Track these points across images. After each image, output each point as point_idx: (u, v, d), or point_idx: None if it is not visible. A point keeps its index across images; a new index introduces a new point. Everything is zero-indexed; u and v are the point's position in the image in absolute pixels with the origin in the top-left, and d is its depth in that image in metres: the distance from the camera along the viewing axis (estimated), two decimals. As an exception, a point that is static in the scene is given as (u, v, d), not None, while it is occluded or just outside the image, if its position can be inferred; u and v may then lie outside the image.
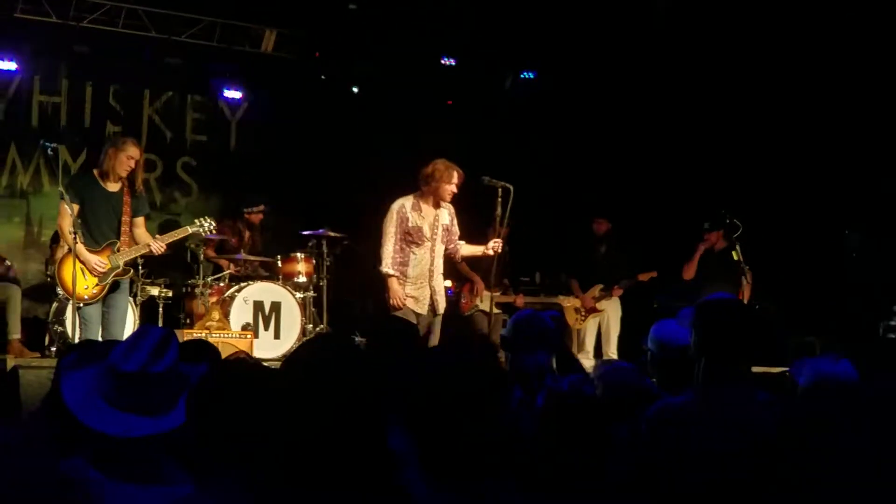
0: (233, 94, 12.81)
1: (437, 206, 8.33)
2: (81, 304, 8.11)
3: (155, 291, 10.16)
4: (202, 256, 10.24)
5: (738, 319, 3.79)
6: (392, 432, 2.30)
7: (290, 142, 12.91)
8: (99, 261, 8.14)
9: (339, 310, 11.23)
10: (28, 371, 7.38)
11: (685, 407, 3.65)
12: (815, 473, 3.22)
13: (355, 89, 13.33)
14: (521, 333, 4.92)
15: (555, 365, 5.04)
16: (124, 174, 8.23)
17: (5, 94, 11.72)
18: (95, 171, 8.31)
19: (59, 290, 8.71)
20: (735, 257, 9.80)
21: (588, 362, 10.86)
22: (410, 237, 8.21)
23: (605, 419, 3.12)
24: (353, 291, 11.80)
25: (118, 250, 8.27)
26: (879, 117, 10.82)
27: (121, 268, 8.28)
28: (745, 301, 9.90)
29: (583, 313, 11.15)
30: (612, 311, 11.20)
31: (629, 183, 12.36)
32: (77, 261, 7.90)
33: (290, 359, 2.45)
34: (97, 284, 8.18)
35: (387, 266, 8.17)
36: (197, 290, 10.10)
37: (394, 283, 8.14)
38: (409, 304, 8.18)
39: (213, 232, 9.38)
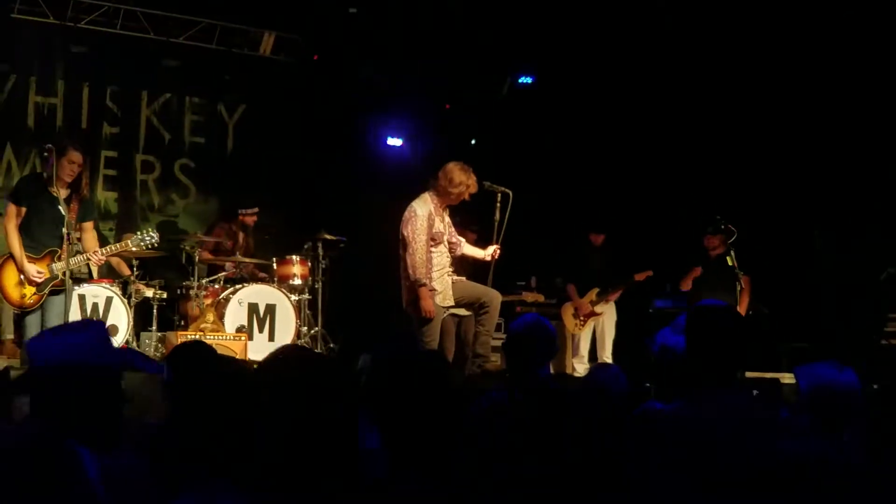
0: (231, 96, 12.81)
1: (447, 206, 8.36)
2: (20, 312, 8.07)
3: (150, 293, 10.14)
4: (197, 258, 10.24)
5: (727, 325, 3.80)
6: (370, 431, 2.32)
7: (288, 144, 12.91)
8: (37, 270, 7.99)
9: (334, 312, 11.24)
10: (20, 371, 7.37)
11: (671, 412, 3.65)
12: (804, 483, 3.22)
13: (353, 93, 13.34)
14: (519, 335, 4.92)
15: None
16: (69, 179, 8.07)
17: (1, 95, 11.70)
18: (44, 176, 8.14)
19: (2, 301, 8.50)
20: (730, 263, 9.80)
21: (583, 367, 10.90)
22: (434, 240, 8.21)
23: (594, 421, 3.13)
24: (349, 294, 11.80)
25: (58, 259, 8.05)
26: (873, 122, 10.86)
27: (59, 278, 8.02)
28: (742, 307, 9.92)
29: (581, 318, 11.15)
30: (607, 316, 11.19)
31: (625, 187, 12.37)
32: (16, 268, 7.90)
33: (260, 367, 2.46)
34: (35, 293, 8.05)
35: (422, 276, 8.09)
36: (192, 292, 10.10)
37: (426, 293, 8.08)
38: (437, 299, 8.16)
39: (156, 245, 8.95)
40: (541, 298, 11.28)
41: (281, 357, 2.39)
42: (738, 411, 3.59)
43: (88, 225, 8.35)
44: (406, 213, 8.24)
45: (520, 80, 13.45)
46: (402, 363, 2.78)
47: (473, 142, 13.36)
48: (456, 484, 2.61)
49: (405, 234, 8.17)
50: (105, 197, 12.27)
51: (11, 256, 7.99)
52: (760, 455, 3.42)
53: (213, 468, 2.73)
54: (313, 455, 2.14)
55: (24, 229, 8.01)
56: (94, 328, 3.07)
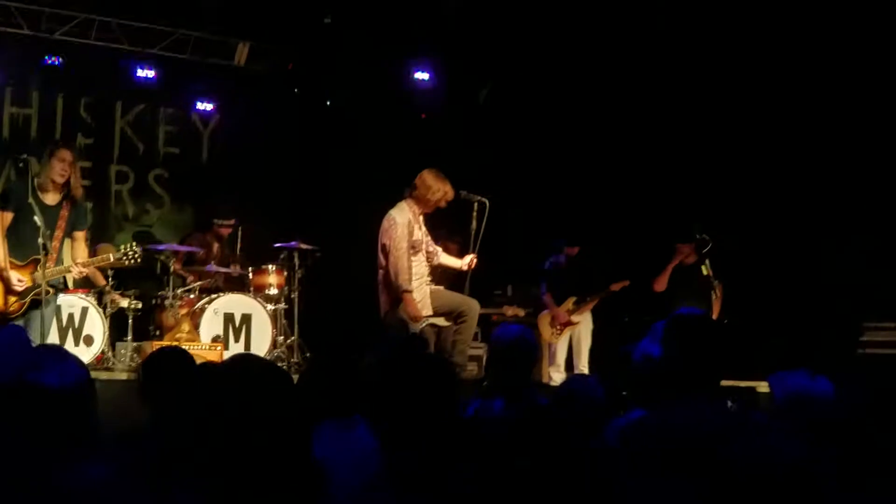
0: (205, 106, 12.79)
1: (424, 215, 8.37)
2: (2, 319, 7.79)
3: (125, 303, 10.11)
4: (172, 268, 10.22)
5: (705, 334, 3.82)
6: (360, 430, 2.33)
7: (263, 154, 12.89)
8: (20, 278, 7.85)
9: (310, 322, 11.22)
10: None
11: (645, 421, 3.67)
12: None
13: (328, 102, 13.35)
14: (506, 347, 4.94)
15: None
16: (61, 180, 7.95)
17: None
18: (33, 184, 7.90)
19: None
20: (705, 272, 9.87)
21: (559, 375, 10.91)
22: (413, 248, 8.21)
23: (573, 433, 3.14)
24: (325, 303, 11.78)
25: (39, 268, 7.80)
26: (854, 126, 10.94)
27: (39, 287, 7.79)
28: (715, 315, 9.97)
29: (558, 327, 11.17)
30: (583, 325, 11.21)
31: (602, 196, 12.41)
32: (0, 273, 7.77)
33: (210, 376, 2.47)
34: (16, 301, 7.89)
35: (405, 282, 8.09)
36: (167, 302, 10.08)
37: (410, 299, 8.08)
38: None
39: (139, 261, 8.77)
40: (521, 313, 11.30)
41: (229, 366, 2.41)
42: (717, 417, 3.61)
43: (80, 234, 8.23)
44: (385, 222, 8.23)
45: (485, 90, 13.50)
46: (410, 364, 2.79)
47: (423, 116, 13.42)
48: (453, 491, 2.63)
49: (385, 242, 8.17)
50: (80, 208, 12.22)
51: None
52: (742, 459, 3.43)
53: (196, 472, 2.73)
54: (270, 465, 2.16)
55: (11, 235, 7.86)
56: (13, 336, 3.00)
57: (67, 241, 8.22)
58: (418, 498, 2.61)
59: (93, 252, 8.96)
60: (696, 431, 3.55)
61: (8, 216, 7.82)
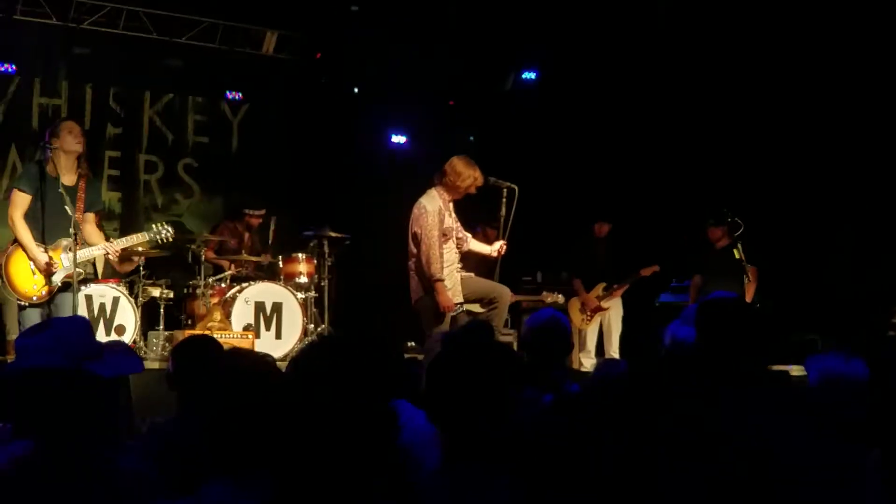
0: (234, 95, 12.81)
1: (453, 202, 8.31)
2: (27, 305, 7.63)
3: (156, 292, 10.13)
4: (203, 257, 10.24)
5: (738, 318, 3.78)
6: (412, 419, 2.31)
7: (292, 143, 12.92)
8: (49, 261, 7.58)
9: (341, 310, 11.23)
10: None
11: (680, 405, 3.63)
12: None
13: (356, 90, 13.34)
14: (544, 336, 4.91)
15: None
16: (79, 147, 7.68)
17: (5, 96, 11.72)
18: (48, 167, 7.63)
19: (7, 290, 7.79)
20: (737, 255, 9.80)
21: (590, 361, 10.88)
22: (444, 236, 8.16)
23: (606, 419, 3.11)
24: (355, 291, 11.79)
25: (69, 250, 7.57)
26: (881, 111, 10.84)
27: (70, 269, 7.54)
28: (749, 298, 9.91)
29: (588, 313, 11.14)
30: (613, 310, 11.18)
31: (631, 181, 12.35)
32: (27, 257, 7.53)
33: (293, 361, 2.44)
34: (45, 285, 7.61)
35: (437, 271, 8.03)
36: (198, 291, 10.10)
37: (442, 288, 8.03)
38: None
39: (171, 240, 8.72)
40: (560, 299, 11.22)
41: (314, 349, 2.37)
42: (754, 406, 3.57)
43: (91, 216, 7.95)
44: (415, 210, 8.17)
45: (523, 76, 13.45)
46: (480, 351, 2.78)
47: (472, 138, 13.36)
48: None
49: (416, 230, 8.11)
50: (109, 197, 12.28)
51: (20, 246, 7.60)
52: (775, 449, 3.40)
53: (225, 463, 2.73)
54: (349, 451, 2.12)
55: (31, 219, 7.60)
56: (79, 325, 3.05)
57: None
58: (485, 482, 2.60)
59: None
60: (734, 419, 3.52)
61: (27, 198, 7.57)
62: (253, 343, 9.52)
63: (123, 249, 8.31)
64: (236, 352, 3.29)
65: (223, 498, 2.61)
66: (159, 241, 8.60)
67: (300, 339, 10.21)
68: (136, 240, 8.47)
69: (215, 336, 8.92)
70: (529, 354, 4.92)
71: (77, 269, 7.54)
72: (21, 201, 7.58)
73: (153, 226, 8.61)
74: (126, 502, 2.60)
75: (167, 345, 9.78)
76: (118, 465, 2.74)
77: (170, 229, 8.56)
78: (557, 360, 4.87)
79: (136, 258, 9.89)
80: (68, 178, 7.68)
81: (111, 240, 8.28)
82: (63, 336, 2.89)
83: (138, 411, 6.46)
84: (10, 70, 11.48)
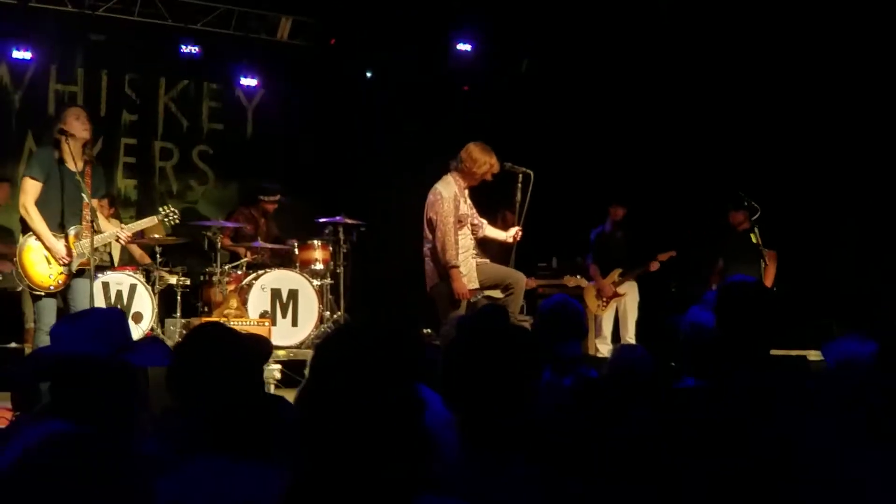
0: (249, 81, 12.80)
1: (468, 188, 8.29)
2: (43, 294, 7.55)
3: (173, 280, 10.15)
4: (219, 244, 10.25)
5: (755, 302, 3.78)
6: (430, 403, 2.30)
7: (307, 129, 12.93)
8: (68, 249, 7.54)
9: (356, 297, 11.24)
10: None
11: (699, 390, 3.64)
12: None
13: (369, 75, 13.33)
14: (553, 319, 4.91)
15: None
16: (87, 133, 7.59)
17: (22, 83, 11.75)
18: (56, 154, 7.56)
19: (23, 281, 7.69)
20: (754, 240, 9.77)
21: (606, 347, 10.88)
22: (460, 222, 8.14)
23: (627, 404, 3.12)
24: (370, 278, 11.79)
25: (82, 237, 7.55)
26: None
27: (86, 256, 7.52)
28: (768, 281, 9.90)
29: (604, 299, 11.14)
30: (629, 296, 11.18)
31: (646, 166, 12.31)
32: (43, 246, 7.47)
33: (319, 348, 2.43)
34: (62, 273, 7.55)
35: (453, 258, 8.01)
36: (214, 279, 10.11)
37: (458, 275, 8.01)
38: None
39: (178, 222, 9.04)
40: (584, 283, 11.20)
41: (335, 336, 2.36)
42: (770, 387, 3.57)
43: (95, 202, 7.76)
44: (431, 196, 8.16)
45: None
46: (501, 335, 2.78)
47: (466, 88, 13.39)
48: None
49: (431, 217, 8.09)
50: (125, 184, 12.35)
51: (34, 235, 7.53)
52: (790, 432, 3.39)
53: (218, 447, 2.77)
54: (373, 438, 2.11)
55: (43, 206, 7.52)
56: (116, 316, 3.12)
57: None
58: (507, 469, 2.60)
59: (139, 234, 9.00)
60: (749, 400, 3.51)
61: (38, 185, 7.49)
62: (269, 330, 9.53)
63: (134, 233, 8.41)
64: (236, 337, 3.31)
65: (218, 469, 2.66)
66: (167, 223, 8.88)
67: (316, 326, 10.23)
68: (145, 223, 8.67)
69: (232, 323, 8.99)
70: (540, 337, 4.92)
71: (90, 256, 7.53)
72: (32, 189, 7.51)
73: (160, 208, 8.96)
74: (145, 487, 2.61)
75: (184, 332, 9.80)
76: (140, 450, 2.76)
77: (176, 211, 8.94)
78: (569, 342, 4.85)
79: (154, 245, 9.98)
80: (75, 164, 7.60)
81: (135, 223, 8.52)
82: (100, 326, 2.96)
83: (155, 397, 6.47)
84: (26, 57, 11.48)
